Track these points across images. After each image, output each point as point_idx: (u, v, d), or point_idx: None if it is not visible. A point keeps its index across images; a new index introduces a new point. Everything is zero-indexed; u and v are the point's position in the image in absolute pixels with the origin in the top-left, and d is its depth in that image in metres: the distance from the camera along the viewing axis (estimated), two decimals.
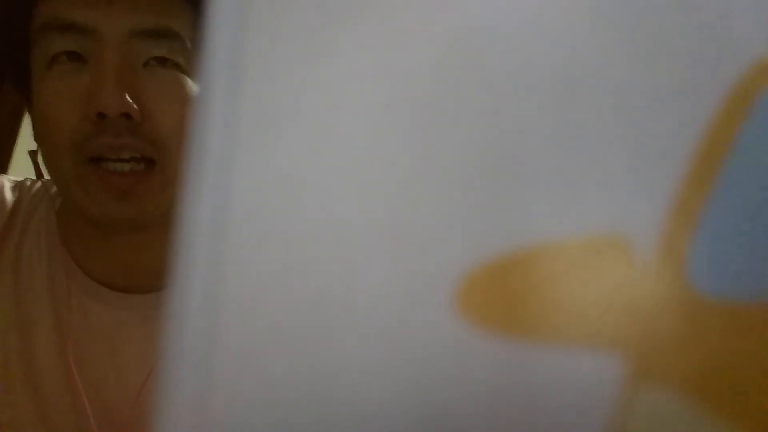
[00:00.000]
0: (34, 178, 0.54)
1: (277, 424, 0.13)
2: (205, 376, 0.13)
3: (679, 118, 0.14)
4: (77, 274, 0.49)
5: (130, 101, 0.42)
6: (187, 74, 0.46)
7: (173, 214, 0.14)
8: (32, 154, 0.51)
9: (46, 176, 0.50)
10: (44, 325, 0.48)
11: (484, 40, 0.14)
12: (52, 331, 0.48)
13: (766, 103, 0.14)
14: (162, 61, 0.45)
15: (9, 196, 0.52)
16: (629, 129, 0.14)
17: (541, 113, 0.14)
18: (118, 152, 0.43)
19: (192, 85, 0.46)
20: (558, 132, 0.14)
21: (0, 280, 0.49)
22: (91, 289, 0.49)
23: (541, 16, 0.14)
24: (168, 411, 0.13)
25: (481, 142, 0.14)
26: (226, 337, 0.13)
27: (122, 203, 0.44)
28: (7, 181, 0.54)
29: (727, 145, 0.13)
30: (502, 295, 0.13)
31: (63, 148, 0.44)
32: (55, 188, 0.53)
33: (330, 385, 0.13)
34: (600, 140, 0.14)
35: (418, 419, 0.13)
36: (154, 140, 0.44)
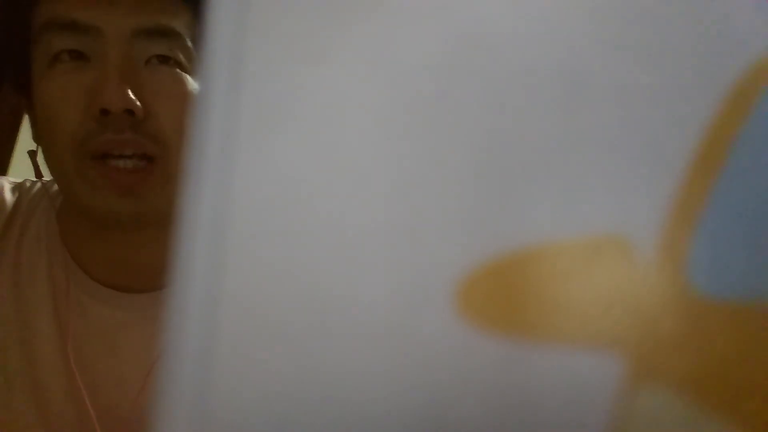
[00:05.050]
0: (34, 178, 0.54)
1: (276, 424, 0.13)
2: (205, 376, 0.13)
3: (679, 118, 0.14)
4: (77, 274, 0.49)
5: (133, 98, 0.43)
6: (188, 72, 0.46)
7: (173, 212, 0.14)
8: (31, 154, 0.51)
9: (46, 176, 0.50)
10: (44, 325, 0.48)
11: (483, 40, 0.14)
12: (52, 331, 0.48)
13: (766, 103, 0.14)
14: (163, 59, 0.45)
15: (9, 196, 0.52)
16: (629, 129, 0.14)
17: (541, 113, 0.14)
18: (121, 149, 0.44)
19: (193, 84, 0.46)
20: (558, 132, 0.14)
21: (0, 280, 0.49)
22: (90, 289, 0.49)
23: (542, 16, 0.14)
24: (168, 411, 0.13)
25: (481, 143, 0.14)
26: (226, 337, 0.13)
27: (125, 199, 0.44)
28: (7, 182, 0.54)
29: (728, 144, 0.13)
30: (502, 295, 0.13)
31: (65, 145, 0.44)
32: (55, 188, 0.53)
33: (330, 385, 0.13)
34: (600, 140, 0.14)
35: (418, 418, 0.13)
36: (156, 137, 0.44)
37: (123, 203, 0.44)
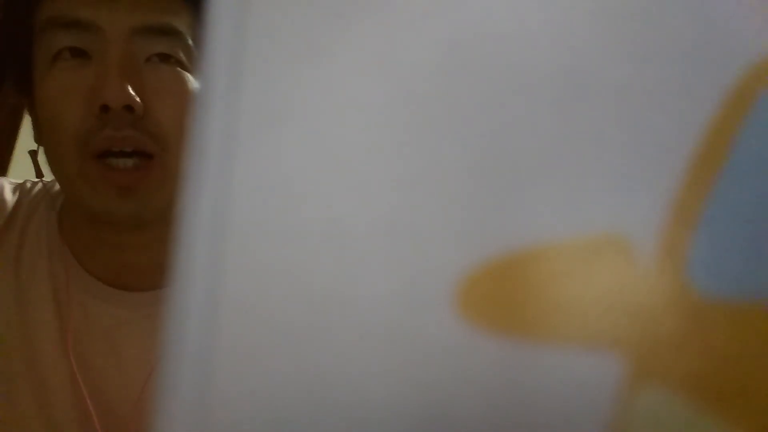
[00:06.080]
0: (34, 179, 0.54)
1: (277, 424, 0.13)
2: (205, 376, 0.13)
3: (679, 118, 0.14)
4: (78, 273, 0.49)
5: (133, 94, 0.43)
6: (188, 71, 0.46)
7: (173, 212, 0.14)
8: (32, 154, 0.51)
9: (47, 176, 0.50)
10: (45, 324, 0.48)
11: (483, 40, 0.14)
12: (54, 330, 0.48)
13: (766, 103, 0.14)
14: (164, 57, 0.45)
15: (9, 197, 0.52)
16: (629, 129, 0.14)
17: (541, 113, 0.14)
18: (121, 146, 0.44)
19: (193, 82, 0.46)
20: (558, 132, 0.14)
21: (1, 280, 0.49)
22: (91, 287, 0.49)
23: (541, 16, 0.14)
24: (168, 410, 0.13)
25: (480, 142, 0.14)
26: (226, 337, 0.13)
27: (124, 200, 0.44)
28: (7, 183, 0.54)
29: (727, 145, 0.13)
30: (502, 295, 0.13)
31: (67, 144, 0.44)
32: (56, 188, 0.53)
33: (329, 385, 0.13)
34: (600, 140, 0.14)
35: (418, 419, 0.13)
36: (155, 134, 0.44)
37: (122, 203, 0.45)
